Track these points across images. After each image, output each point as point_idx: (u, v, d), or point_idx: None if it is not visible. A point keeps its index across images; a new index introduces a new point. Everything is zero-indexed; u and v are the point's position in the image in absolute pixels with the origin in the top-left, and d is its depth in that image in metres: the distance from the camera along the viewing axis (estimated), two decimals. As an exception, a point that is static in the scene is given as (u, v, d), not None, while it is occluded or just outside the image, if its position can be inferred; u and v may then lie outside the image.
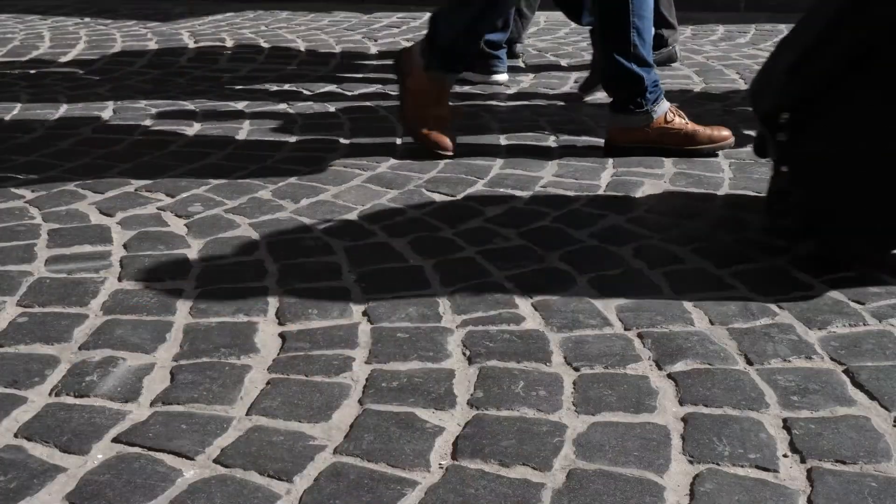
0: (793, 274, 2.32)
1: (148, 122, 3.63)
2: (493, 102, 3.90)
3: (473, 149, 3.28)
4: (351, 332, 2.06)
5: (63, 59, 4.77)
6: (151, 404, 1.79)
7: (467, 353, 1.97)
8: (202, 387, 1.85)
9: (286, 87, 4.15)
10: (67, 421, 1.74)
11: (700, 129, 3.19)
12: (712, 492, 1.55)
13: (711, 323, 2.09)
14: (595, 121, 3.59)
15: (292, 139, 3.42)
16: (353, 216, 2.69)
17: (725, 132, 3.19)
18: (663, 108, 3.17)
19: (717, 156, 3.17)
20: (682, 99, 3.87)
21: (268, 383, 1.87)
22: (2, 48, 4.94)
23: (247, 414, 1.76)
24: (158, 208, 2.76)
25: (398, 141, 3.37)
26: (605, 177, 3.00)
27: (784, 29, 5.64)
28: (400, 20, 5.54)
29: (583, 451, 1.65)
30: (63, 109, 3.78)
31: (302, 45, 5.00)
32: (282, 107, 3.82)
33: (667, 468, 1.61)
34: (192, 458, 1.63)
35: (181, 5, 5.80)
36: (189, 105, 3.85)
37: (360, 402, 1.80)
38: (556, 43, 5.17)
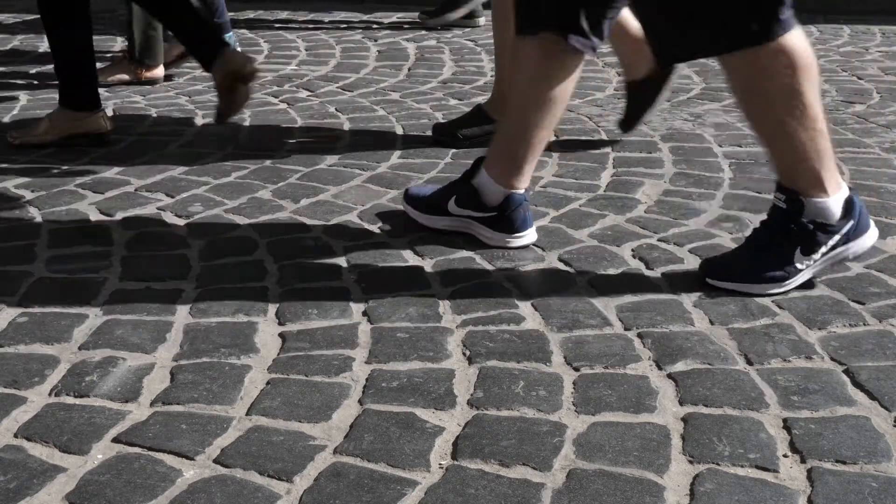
0: (793, 274, 2.32)
1: (148, 122, 3.63)
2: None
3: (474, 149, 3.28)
4: (351, 332, 2.06)
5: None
6: (151, 404, 1.79)
7: (467, 353, 1.97)
8: (202, 387, 1.85)
9: (286, 86, 4.14)
10: (67, 421, 1.74)
11: None
12: (712, 492, 1.55)
13: (711, 323, 2.09)
14: (595, 121, 3.59)
15: (292, 139, 3.41)
16: (353, 216, 2.69)
17: None
18: None
19: (717, 155, 3.17)
20: (683, 99, 3.87)
21: (268, 383, 1.87)
22: (2, 48, 4.93)
23: (247, 414, 1.76)
24: (158, 208, 2.76)
25: (398, 141, 3.37)
26: (605, 177, 3.00)
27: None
28: (400, 20, 5.54)
29: (583, 451, 1.65)
30: (63, 109, 3.77)
31: (302, 45, 5.00)
32: (282, 107, 3.82)
33: (667, 468, 1.61)
34: (192, 458, 1.63)
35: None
36: (189, 105, 3.85)
37: (360, 402, 1.80)
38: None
